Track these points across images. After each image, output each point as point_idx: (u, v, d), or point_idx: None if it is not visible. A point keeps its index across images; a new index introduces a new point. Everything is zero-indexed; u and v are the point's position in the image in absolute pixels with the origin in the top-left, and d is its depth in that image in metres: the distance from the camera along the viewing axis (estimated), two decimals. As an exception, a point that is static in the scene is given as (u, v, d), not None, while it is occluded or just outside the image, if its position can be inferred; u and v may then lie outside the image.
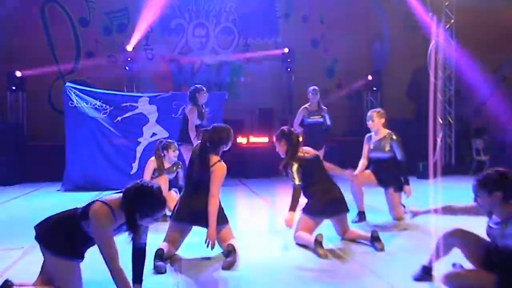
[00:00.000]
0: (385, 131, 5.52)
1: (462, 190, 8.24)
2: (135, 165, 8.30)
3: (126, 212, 2.91)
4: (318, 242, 4.16)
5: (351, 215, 5.54)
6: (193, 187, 4.10)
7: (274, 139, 4.64)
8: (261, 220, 6.06)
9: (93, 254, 3.98)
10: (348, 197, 4.93)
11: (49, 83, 10.81)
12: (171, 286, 3.48)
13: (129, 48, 10.52)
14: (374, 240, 4.31)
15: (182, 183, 5.76)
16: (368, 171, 5.57)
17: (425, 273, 3.40)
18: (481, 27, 11.20)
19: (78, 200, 7.34)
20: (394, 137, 5.43)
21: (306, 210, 4.53)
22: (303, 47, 11.64)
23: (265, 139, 10.03)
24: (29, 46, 10.53)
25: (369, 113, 5.63)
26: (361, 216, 5.53)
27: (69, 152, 8.46)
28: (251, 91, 11.44)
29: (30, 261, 4.10)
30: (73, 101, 8.43)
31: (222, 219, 4.11)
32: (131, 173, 8.21)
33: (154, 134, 8.49)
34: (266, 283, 3.54)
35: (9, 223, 5.79)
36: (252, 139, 10.11)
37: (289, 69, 11.30)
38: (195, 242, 4.69)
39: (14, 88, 10.22)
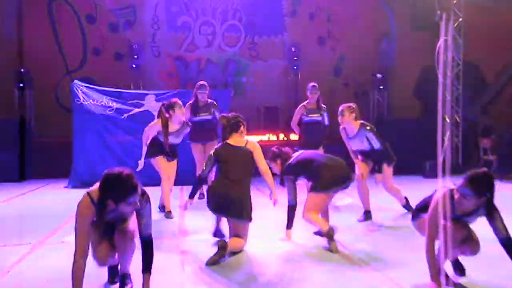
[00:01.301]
0: (357, 124, 5.44)
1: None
2: (141, 162, 8.29)
3: (98, 198, 2.96)
4: (330, 236, 4.21)
5: (357, 215, 5.55)
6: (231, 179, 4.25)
7: (268, 161, 4.68)
8: (267, 219, 6.04)
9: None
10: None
11: (55, 80, 10.85)
12: (176, 284, 3.48)
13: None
14: (329, 238, 4.28)
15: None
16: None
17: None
18: (489, 25, 11.12)
19: (84, 196, 7.38)
20: (368, 127, 5.38)
21: (313, 188, 4.51)
22: (310, 45, 11.61)
23: (271, 137, 10.01)
24: (36, 43, 10.57)
25: (340, 108, 5.53)
26: (367, 215, 5.52)
27: (76, 148, 8.50)
28: (257, 89, 11.43)
29: (37, 256, 4.12)
30: (79, 98, 8.47)
31: (248, 214, 4.25)
32: (138, 169, 8.23)
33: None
34: (269, 282, 3.53)
35: (16, 220, 5.82)
36: (258, 137, 10.10)
37: (295, 67, 11.27)
38: (200, 239, 4.70)
39: (21, 85, 10.26)
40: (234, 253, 4.12)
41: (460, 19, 10.54)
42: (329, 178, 4.45)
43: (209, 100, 6.96)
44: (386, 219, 5.58)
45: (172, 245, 4.52)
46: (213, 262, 3.88)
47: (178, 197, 7.23)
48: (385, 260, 3.98)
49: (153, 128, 5.77)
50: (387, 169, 5.49)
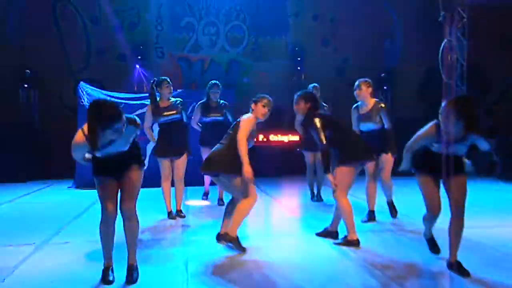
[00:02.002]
0: (372, 101, 5.46)
1: (473, 190, 8.18)
2: (145, 162, 8.32)
3: (88, 128, 3.23)
4: (352, 245, 4.35)
5: (361, 215, 5.53)
6: None
7: (298, 98, 4.65)
8: (270, 219, 6.05)
9: (90, 253, 4.01)
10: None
11: (60, 81, 10.89)
12: (179, 283, 3.48)
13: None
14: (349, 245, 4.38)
15: None
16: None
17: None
18: (494, 25, 11.08)
19: (89, 196, 7.40)
20: (382, 105, 5.44)
21: (341, 161, 4.46)
22: (313, 46, 11.60)
23: (274, 138, 10.00)
24: (40, 44, 10.61)
25: (356, 83, 5.49)
26: (371, 215, 5.51)
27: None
28: (261, 89, 11.38)
29: (41, 257, 4.14)
30: (83, 99, 8.52)
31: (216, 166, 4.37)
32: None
33: None
34: (272, 283, 3.53)
35: (20, 220, 5.85)
36: (261, 137, 10.10)
37: (299, 68, 11.26)
38: (203, 240, 4.71)
39: (26, 86, 10.31)
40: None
41: (464, 20, 10.51)
42: (353, 149, 4.46)
43: (221, 101, 6.67)
44: (390, 220, 5.56)
45: (175, 245, 4.53)
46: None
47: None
48: (389, 261, 3.97)
49: (147, 116, 5.77)
50: (390, 159, 5.40)
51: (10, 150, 9.20)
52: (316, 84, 7.14)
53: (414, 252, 4.21)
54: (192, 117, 6.70)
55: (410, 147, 3.88)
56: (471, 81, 10.78)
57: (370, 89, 5.46)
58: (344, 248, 4.33)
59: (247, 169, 4.23)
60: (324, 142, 4.36)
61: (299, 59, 11.29)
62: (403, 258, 4.04)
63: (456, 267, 3.59)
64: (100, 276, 3.46)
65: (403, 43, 11.87)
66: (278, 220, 5.99)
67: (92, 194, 7.56)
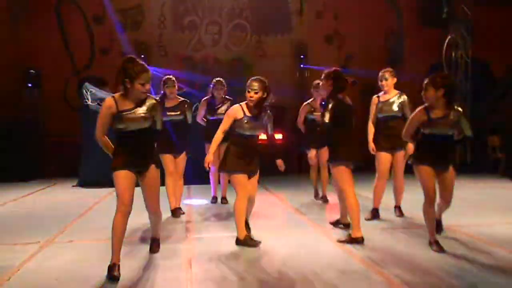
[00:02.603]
0: (395, 91, 5.50)
1: (478, 188, 8.16)
2: None
3: (116, 80, 3.58)
4: (354, 242, 4.36)
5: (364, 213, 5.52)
6: None
7: (323, 78, 4.68)
8: (274, 217, 6.04)
9: (95, 252, 4.01)
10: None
11: (64, 80, 10.93)
12: (183, 282, 3.49)
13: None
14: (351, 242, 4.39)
15: None
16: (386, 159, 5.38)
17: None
18: (498, 22, 11.02)
19: (93, 195, 7.44)
20: (405, 95, 5.46)
21: (338, 158, 4.49)
22: (317, 43, 11.58)
23: (277, 136, 9.97)
24: (44, 43, 10.65)
25: (380, 73, 5.51)
26: (375, 213, 5.47)
27: (85, 148, 8.55)
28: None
29: (46, 255, 4.15)
30: (87, 99, 8.54)
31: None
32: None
33: None
34: (277, 281, 3.53)
35: (25, 218, 5.87)
36: (264, 135, 10.07)
37: (302, 66, 11.25)
38: (207, 238, 4.71)
39: (30, 85, 10.35)
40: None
41: (469, 16, 10.47)
42: (346, 148, 4.46)
43: (227, 97, 6.43)
44: (394, 218, 5.55)
45: (180, 244, 4.53)
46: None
47: (186, 196, 7.26)
48: (392, 258, 3.97)
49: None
50: (403, 162, 5.34)
51: (14, 149, 9.25)
52: (319, 82, 6.84)
53: (419, 250, 4.20)
54: (197, 112, 6.55)
55: (407, 132, 4.34)
56: (475, 78, 10.74)
57: (395, 79, 5.52)
58: (349, 245, 4.32)
59: (206, 157, 4.37)
60: (327, 121, 4.46)
61: (302, 56, 11.27)
62: (408, 255, 4.03)
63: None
64: (106, 273, 3.46)
65: (407, 40, 11.83)
66: (282, 218, 5.98)
67: (96, 193, 7.62)
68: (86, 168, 8.55)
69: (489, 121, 11.24)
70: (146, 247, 4.24)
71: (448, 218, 4.66)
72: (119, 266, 3.51)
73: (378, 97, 5.55)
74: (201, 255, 4.11)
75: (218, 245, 4.43)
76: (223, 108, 6.22)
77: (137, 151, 3.67)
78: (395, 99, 5.43)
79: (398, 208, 5.65)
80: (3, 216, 6.00)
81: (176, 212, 5.77)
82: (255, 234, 4.52)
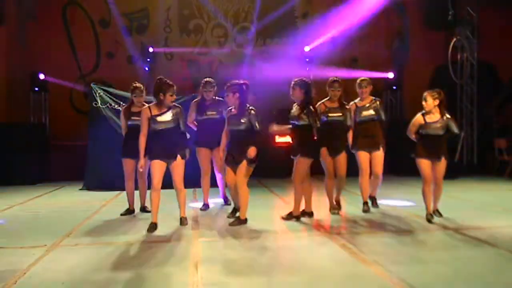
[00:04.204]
0: (370, 98, 6.19)
1: (485, 190, 8.10)
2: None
3: (154, 96, 5.17)
4: (294, 218, 5.58)
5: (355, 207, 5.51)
6: None
7: (294, 84, 5.68)
8: (279, 220, 6.03)
9: (102, 255, 4.04)
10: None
11: (70, 83, 10.99)
12: (190, 286, 3.49)
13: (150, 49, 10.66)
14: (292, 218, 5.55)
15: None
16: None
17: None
18: (504, 23, 10.98)
19: (100, 198, 7.46)
20: (378, 102, 6.18)
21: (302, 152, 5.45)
22: (322, 46, 11.56)
23: (283, 139, 9.99)
24: (51, 47, 10.72)
25: (358, 81, 6.21)
26: (365, 206, 6.05)
27: (91, 151, 8.58)
28: (269, 91, 11.42)
29: (53, 258, 4.17)
30: (97, 101, 8.58)
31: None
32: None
33: None
34: (285, 283, 3.52)
35: (32, 221, 5.89)
36: (278, 139, 10.10)
37: (307, 69, 11.25)
38: (213, 241, 4.71)
39: (37, 89, 10.42)
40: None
41: (474, 18, 10.43)
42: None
43: (217, 98, 6.28)
44: (394, 216, 5.54)
45: (185, 247, 4.54)
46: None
47: (192, 199, 7.27)
48: (391, 256, 3.95)
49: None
50: (381, 154, 6.04)
51: (21, 152, 9.30)
52: (336, 79, 6.12)
53: (426, 252, 4.18)
54: (188, 116, 6.28)
55: (409, 131, 5.53)
56: (482, 80, 10.70)
57: (371, 87, 6.20)
58: (354, 249, 4.31)
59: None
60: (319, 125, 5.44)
61: (307, 59, 11.27)
62: (407, 254, 4.02)
63: (437, 212, 5.52)
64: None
65: (412, 42, 11.80)
66: (288, 222, 5.97)
67: (102, 196, 7.65)
68: (93, 172, 8.58)
69: (496, 123, 11.19)
70: (152, 250, 4.24)
71: (455, 220, 4.64)
72: (156, 223, 5.09)
73: (355, 103, 6.18)
74: (208, 259, 4.10)
75: (225, 248, 4.43)
76: (214, 109, 6.16)
77: (166, 144, 5.08)
78: (370, 104, 6.13)
79: (373, 198, 6.30)
80: (10, 220, 6.02)
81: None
82: (261, 237, 4.51)
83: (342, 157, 5.92)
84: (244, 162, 5.22)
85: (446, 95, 5.44)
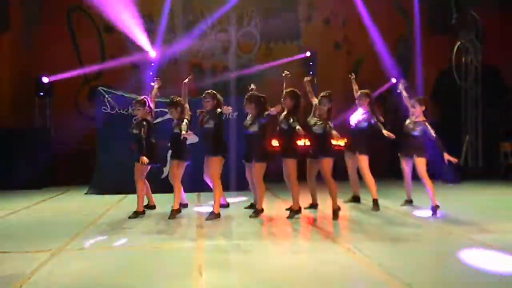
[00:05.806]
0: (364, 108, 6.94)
1: (490, 195, 8.06)
2: (166, 169, 8.31)
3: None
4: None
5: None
6: None
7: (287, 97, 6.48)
8: (285, 225, 6.02)
9: (106, 260, 4.04)
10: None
11: (75, 88, 11.04)
12: (195, 290, 3.49)
13: (153, 54, 10.67)
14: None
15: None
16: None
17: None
18: (508, 27, 10.95)
19: (104, 203, 7.47)
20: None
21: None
22: (326, 50, 11.58)
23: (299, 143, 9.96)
24: (55, 52, 10.77)
25: (359, 93, 7.15)
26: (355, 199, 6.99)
27: (99, 155, 8.60)
28: (273, 95, 11.41)
29: (57, 263, 4.17)
30: (106, 107, 8.64)
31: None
32: (162, 177, 8.29)
33: None
34: (287, 286, 3.52)
35: (37, 226, 5.91)
36: (274, 143, 10.05)
37: (311, 73, 11.24)
38: (217, 245, 4.71)
39: (41, 94, 10.45)
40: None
41: (478, 22, 10.42)
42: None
43: (213, 109, 6.24)
44: (393, 216, 5.52)
45: (190, 251, 4.53)
46: None
47: (196, 202, 7.28)
48: (388, 254, 3.93)
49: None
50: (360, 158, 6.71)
51: (26, 157, 9.33)
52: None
53: (431, 257, 4.17)
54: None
55: None
56: (486, 84, 10.67)
57: (368, 99, 7.05)
58: (359, 254, 4.29)
59: None
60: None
61: (311, 63, 11.27)
62: (405, 252, 4.00)
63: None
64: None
65: (416, 46, 11.79)
66: (292, 225, 5.95)
67: (108, 200, 7.66)
68: (99, 176, 8.59)
69: (501, 127, 11.15)
70: (156, 255, 4.24)
71: (459, 224, 4.61)
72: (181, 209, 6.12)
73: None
74: (212, 263, 4.10)
75: (228, 252, 4.42)
76: (208, 119, 6.16)
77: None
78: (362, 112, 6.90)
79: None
80: (15, 224, 6.04)
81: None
82: (267, 241, 4.50)
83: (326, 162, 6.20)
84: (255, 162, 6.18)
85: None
